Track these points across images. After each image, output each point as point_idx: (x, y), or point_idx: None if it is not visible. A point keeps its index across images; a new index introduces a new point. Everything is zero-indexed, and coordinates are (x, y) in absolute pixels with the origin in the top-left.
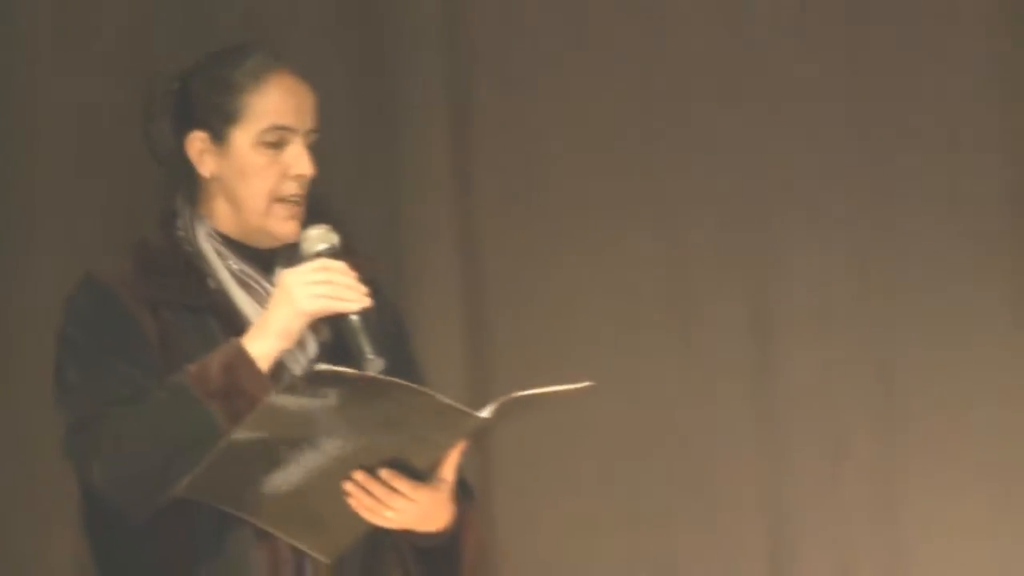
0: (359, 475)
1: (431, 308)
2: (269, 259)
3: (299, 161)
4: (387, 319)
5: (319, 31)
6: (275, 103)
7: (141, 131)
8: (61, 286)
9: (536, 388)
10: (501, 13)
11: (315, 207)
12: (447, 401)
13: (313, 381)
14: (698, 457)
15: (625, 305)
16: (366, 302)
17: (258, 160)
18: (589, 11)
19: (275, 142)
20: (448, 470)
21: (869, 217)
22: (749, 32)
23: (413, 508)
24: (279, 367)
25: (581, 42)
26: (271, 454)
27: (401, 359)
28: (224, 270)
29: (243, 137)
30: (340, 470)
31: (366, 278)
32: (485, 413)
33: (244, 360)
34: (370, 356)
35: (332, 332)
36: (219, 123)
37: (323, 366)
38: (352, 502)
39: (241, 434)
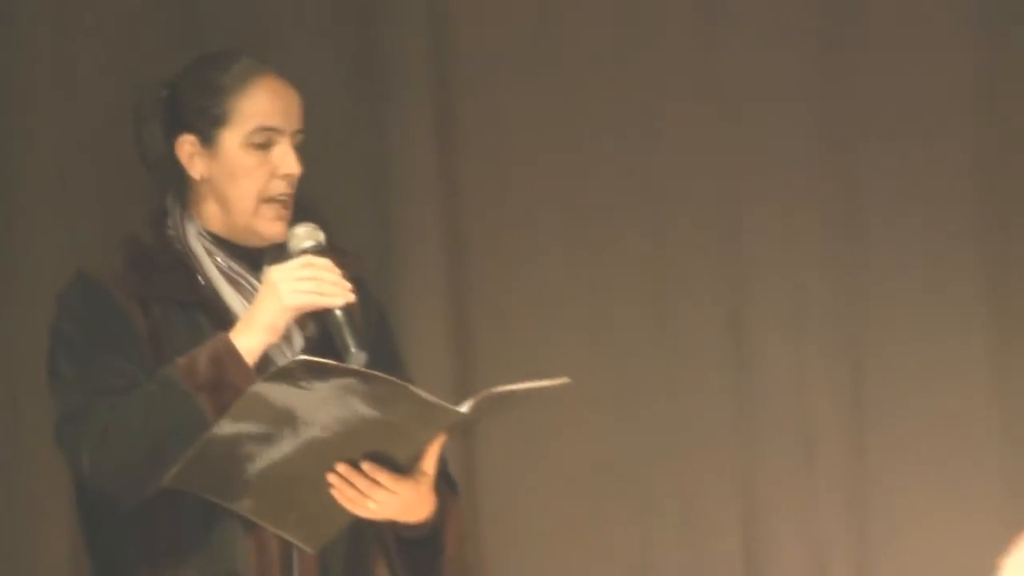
0: (342, 467)
1: (417, 306)
2: (257, 257)
3: (286, 160)
4: (371, 315)
5: (309, 34)
6: (262, 105)
7: (132, 137)
8: (60, 285)
9: (515, 384)
10: (488, 16)
11: (303, 207)
12: (427, 396)
13: (296, 371)
14: (675, 451)
15: (605, 303)
16: (350, 298)
17: (247, 161)
18: (574, 15)
19: (263, 143)
20: (429, 463)
21: (843, 216)
22: (723, 32)
23: (395, 500)
24: (266, 361)
25: (566, 45)
26: (256, 446)
27: (385, 354)
28: (213, 267)
29: (231, 139)
30: (324, 462)
31: (351, 275)
32: (464, 408)
33: (231, 354)
34: (353, 350)
35: (318, 328)
36: (207, 126)
37: (306, 357)
38: (335, 493)
39: (226, 424)
